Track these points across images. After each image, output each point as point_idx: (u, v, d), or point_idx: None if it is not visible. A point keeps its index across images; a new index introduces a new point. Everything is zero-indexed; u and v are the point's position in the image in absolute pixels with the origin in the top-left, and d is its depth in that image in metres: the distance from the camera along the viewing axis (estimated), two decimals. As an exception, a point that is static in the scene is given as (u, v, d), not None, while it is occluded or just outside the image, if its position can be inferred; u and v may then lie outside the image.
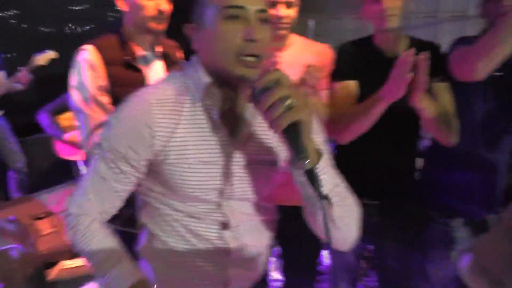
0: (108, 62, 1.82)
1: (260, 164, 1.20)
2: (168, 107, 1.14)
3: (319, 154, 1.04)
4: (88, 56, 1.82)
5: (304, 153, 0.96)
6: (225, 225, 1.21)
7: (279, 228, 1.38)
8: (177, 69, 1.24)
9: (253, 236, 1.27)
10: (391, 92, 1.69)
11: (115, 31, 1.93)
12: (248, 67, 1.06)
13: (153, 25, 1.87)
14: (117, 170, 1.17)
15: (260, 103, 0.98)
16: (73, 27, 5.14)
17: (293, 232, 1.97)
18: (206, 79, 1.14)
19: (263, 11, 1.08)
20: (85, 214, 1.22)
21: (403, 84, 1.63)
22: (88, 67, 1.81)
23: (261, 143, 1.20)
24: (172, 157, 1.14)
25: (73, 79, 1.86)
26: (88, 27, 5.19)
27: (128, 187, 1.21)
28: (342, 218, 1.12)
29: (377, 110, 1.76)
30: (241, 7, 1.06)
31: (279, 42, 2.00)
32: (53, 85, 4.76)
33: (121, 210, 1.82)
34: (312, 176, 0.97)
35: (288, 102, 0.95)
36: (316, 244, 2.14)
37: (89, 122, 1.82)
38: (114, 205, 1.23)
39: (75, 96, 1.85)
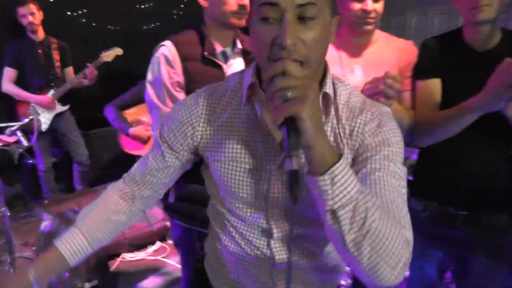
0: (186, 58, 1.81)
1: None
2: (216, 101, 1.15)
3: (330, 158, 0.87)
4: (165, 52, 1.82)
5: (292, 151, 0.83)
6: (268, 233, 1.15)
7: None
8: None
9: (306, 257, 1.17)
10: (488, 103, 1.53)
11: (195, 27, 1.91)
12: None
13: (234, 20, 1.83)
14: (158, 149, 1.22)
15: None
16: (138, 24, 5.25)
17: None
18: (250, 79, 1.09)
19: (304, 5, 0.92)
20: (123, 178, 1.29)
21: (506, 94, 1.47)
22: (165, 62, 1.81)
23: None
24: (216, 152, 1.13)
25: (150, 74, 1.86)
26: (152, 25, 5.28)
27: (161, 169, 1.22)
28: (362, 244, 0.87)
29: (469, 119, 1.62)
30: (275, 4, 0.92)
31: (364, 38, 1.93)
32: (116, 80, 4.90)
33: (197, 211, 1.83)
34: (294, 179, 0.83)
35: (287, 94, 0.84)
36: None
37: (162, 117, 1.81)
38: (144, 180, 1.25)
39: (150, 91, 1.85)
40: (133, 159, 3.76)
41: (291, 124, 0.84)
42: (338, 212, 0.86)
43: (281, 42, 0.91)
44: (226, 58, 1.93)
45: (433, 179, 1.88)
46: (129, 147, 3.63)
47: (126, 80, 4.32)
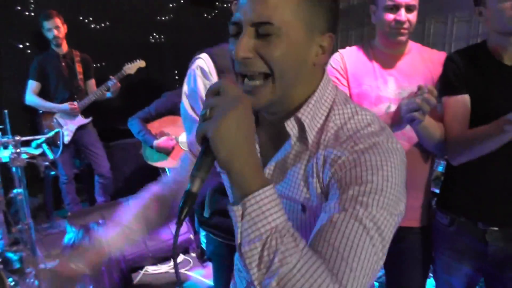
0: (222, 70, 1.81)
1: (286, 199, 1.01)
2: None
3: (248, 187, 0.80)
4: (201, 64, 1.82)
5: (194, 171, 0.80)
6: None
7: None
8: None
9: None
10: None
11: None
12: (246, 91, 0.93)
13: None
14: (189, 160, 1.35)
15: None
16: (159, 37, 5.29)
17: (397, 256, 1.87)
18: None
19: (260, 23, 0.90)
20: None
21: None
22: (200, 74, 1.81)
23: (288, 179, 1.01)
24: None
25: (185, 86, 1.87)
26: (174, 37, 5.31)
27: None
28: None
29: (506, 138, 1.57)
30: (237, 23, 0.94)
31: (398, 49, 1.91)
32: (138, 92, 4.93)
33: (221, 221, 1.81)
34: (184, 201, 0.79)
35: (205, 113, 0.81)
36: (422, 268, 2.02)
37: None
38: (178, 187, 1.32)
39: (186, 103, 1.86)
40: (154, 171, 3.77)
41: (205, 144, 0.81)
42: (242, 247, 0.80)
43: (232, 56, 0.93)
44: None
45: (462, 194, 1.84)
46: (153, 158, 3.65)
47: (148, 92, 4.36)
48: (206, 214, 1.83)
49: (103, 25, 5.02)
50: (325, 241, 0.81)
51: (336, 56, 1.98)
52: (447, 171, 1.95)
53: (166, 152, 3.51)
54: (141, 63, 4.30)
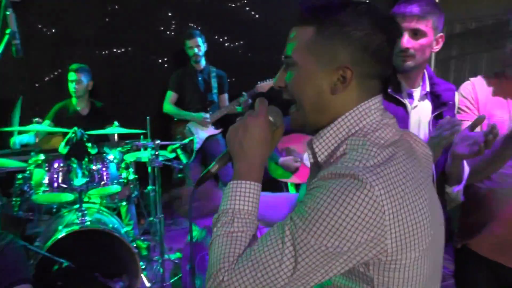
0: None
1: None
2: None
3: (237, 176, 1.09)
4: None
5: (216, 160, 1.16)
6: None
7: None
8: None
9: None
10: None
11: None
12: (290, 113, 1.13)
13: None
14: None
15: None
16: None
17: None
18: None
19: (285, 57, 1.09)
20: None
21: None
22: None
23: None
24: None
25: None
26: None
27: None
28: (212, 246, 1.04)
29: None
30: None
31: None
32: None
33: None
34: (205, 175, 1.17)
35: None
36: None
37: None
38: None
39: None
40: (278, 183, 3.93)
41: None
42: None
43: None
44: (412, 99, 1.89)
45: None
46: (276, 173, 3.77)
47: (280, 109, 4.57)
48: None
49: (237, 43, 5.44)
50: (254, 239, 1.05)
51: (466, 85, 1.95)
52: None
53: (290, 170, 3.63)
54: (272, 83, 4.53)
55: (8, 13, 2.60)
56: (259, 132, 1.09)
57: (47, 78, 5.00)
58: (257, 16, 5.44)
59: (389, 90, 1.83)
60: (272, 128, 1.12)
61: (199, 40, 4.63)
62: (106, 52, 5.16)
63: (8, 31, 2.57)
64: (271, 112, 1.12)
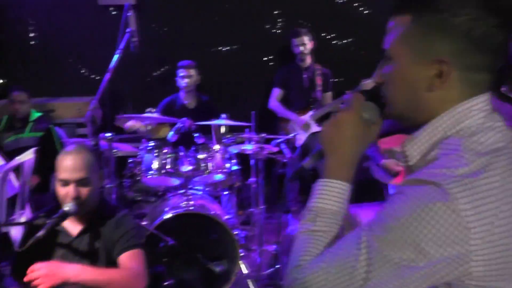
0: None
1: None
2: None
3: (328, 174, 1.03)
4: None
5: (310, 155, 1.12)
6: None
7: None
8: None
9: None
10: None
11: None
12: None
13: None
14: None
15: None
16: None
17: None
18: None
19: (384, 49, 1.03)
20: None
21: None
22: None
23: None
24: None
25: None
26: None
27: None
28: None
29: None
30: None
31: None
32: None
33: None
34: (298, 170, 1.17)
35: None
36: None
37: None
38: None
39: None
40: (379, 184, 3.83)
41: None
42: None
43: None
44: None
45: None
46: (378, 174, 3.68)
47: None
48: None
49: (345, 41, 5.37)
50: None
51: None
52: None
53: (391, 173, 3.52)
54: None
55: (129, 14, 2.85)
56: (350, 129, 1.02)
57: (155, 73, 5.32)
58: (366, 12, 5.33)
59: (503, 88, 1.71)
60: (366, 125, 1.04)
61: (306, 38, 4.65)
62: (214, 49, 5.35)
63: (128, 30, 2.81)
64: (365, 108, 1.04)
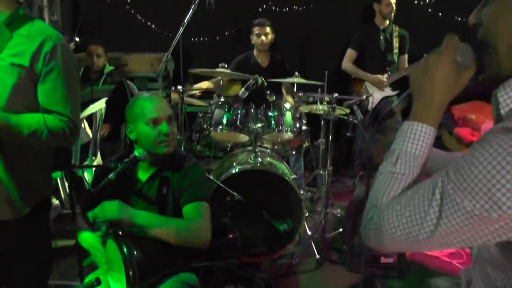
0: None
1: None
2: None
3: (415, 117, 1.00)
4: None
5: (399, 99, 1.10)
6: None
7: None
8: None
9: None
10: None
11: None
12: None
13: None
14: None
15: None
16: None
17: None
18: None
19: None
20: None
21: None
22: None
23: None
24: None
25: None
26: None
27: None
28: None
29: None
30: None
31: None
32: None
33: None
34: (389, 112, 1.13)
35: None
36: None
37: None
38: None
39: None
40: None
41: None
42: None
43: None
44: None
45: None
46: (449, 143, 3.54)
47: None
48: None
49: (427, 1, 5.04)
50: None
51: None
52: None
53: (464, 143, 3.36)
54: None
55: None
56: (440, 73, 0.97)
57: (228, 32, 5.28)
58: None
59: None
60: (459, 69, 0.97)
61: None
62: (287, 9, 5.22)
63: None
64: (460, 51, 0.96)
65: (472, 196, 0.79)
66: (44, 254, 1.98)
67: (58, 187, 3.55)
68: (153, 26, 5.35)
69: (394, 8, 4.44)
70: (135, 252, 1.74)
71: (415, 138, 0.98)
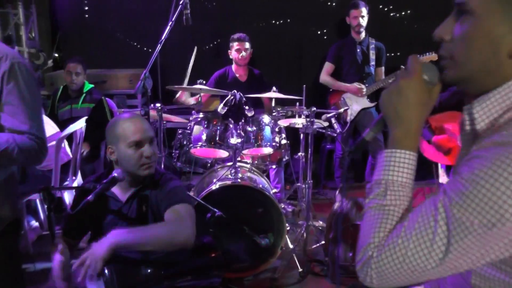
0: None
1: None
2: None
3: (394, 144, 0.99)
4: None
5: (370, 127, 1.10)
6: None
7: None
8: None
9: None
10: None
11: None
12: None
13: None
14: None
15: None
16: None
17: None
18: None
19: (459, 4, 0.93)
20: None
21: None
22: None
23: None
24: None
25: None
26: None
27: None
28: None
29: None
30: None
31: None
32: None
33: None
34: (360, 142, 1.12)
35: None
36: None
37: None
38: None
39: None
40: (428, 163, 3.72)
41: None
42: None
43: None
44: None
45: None
46: (428, 152, 3.60)
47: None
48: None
49: (403, 13, 5.13)
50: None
51: None
52: None
53: (442, 151, 3.42)
54: (433, 57, 4.25)
55: (182, -14, 2.85)
56: (413, 94, 0.96)
57: (208, 46, 5.30)
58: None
59: None
60: (427, 88, 0.98)
61: (364, 10, 4.50)
62: (264, 23, 5.28)
63: (181, 1, 2.81)
64: (425, 70, 0.98)
65: (477, 212, 0.79)
66: (13, 277, 1.93)
67: (38, 208, 3.52)
68: (131, 42, 5.34)
69: (362, 22, 4.50)
70: (116, 276, 1.72)
71: (400, 166, 0.96)
